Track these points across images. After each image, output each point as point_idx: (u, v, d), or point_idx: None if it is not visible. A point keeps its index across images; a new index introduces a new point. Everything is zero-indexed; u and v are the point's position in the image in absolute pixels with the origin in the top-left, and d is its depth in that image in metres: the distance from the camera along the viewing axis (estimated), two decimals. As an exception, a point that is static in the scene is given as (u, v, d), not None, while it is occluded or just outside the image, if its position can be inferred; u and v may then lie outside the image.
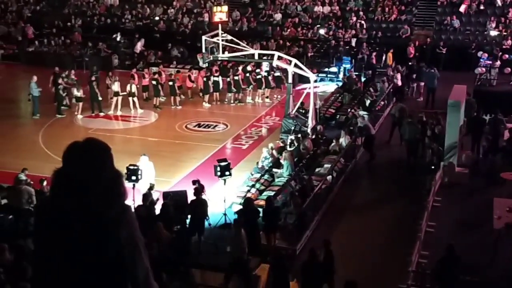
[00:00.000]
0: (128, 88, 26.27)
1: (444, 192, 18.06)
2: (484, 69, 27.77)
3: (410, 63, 29.05)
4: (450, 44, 32.12)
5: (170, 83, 27.47)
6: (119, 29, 36.90)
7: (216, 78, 27.69)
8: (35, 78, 26.02)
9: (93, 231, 2.97)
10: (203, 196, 15.90)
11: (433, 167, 18.70)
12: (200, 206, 15.39)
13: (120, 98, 26.14)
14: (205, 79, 27.77)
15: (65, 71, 27.86)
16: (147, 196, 15.26)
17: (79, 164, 3.03)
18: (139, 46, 35.05)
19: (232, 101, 27.98)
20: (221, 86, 27.87)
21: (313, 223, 16.43)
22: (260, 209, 15.31)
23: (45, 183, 16.32)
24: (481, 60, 28.64)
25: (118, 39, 35.81)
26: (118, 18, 38.63)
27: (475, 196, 17.92)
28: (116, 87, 26.10)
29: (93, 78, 26.51)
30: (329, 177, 18.36)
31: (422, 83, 27.39)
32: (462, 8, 34.05)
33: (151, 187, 15.91)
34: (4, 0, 41.80)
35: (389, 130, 22.65)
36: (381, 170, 20.37)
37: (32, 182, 16.75)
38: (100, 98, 26.17)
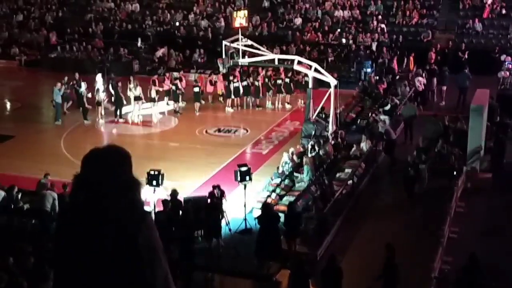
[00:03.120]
0: (148, 93, 26.41)
1: (467, 197, 17.86)
2: (507, 73, 27.43)
3: (430, 67, 28.78)
4: (472, 48, 31.79)
5: (196, 89, 27.52)
6: (140, 35, 37.14)
7: (236, 84, 27.74)
8: (59, 84, 26.24)
9: (111, 237, 2.99)
10: (223, 201, 15.93)
11: (455, 172, 18.48)
12: (214, 210, 15.38)
13: (141, 103, 26.25)
14: (226, 84, 27.87)
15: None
16: (167, 202, 15.27)
17: (98, 170, 3.07)
18: (160, 53, 35.24)
19: (251, 106, 28.07)
20: (241, 91, 27.90)
21: (334, 228, 16.33)
22: (281, 214, 15.25)
23: (67, 188, 16.42)
24: (505, 63, 28.29)
25: (139, 44, 36.05)
26: (139, 24, 38.89)
27: (499, 201, 17.69)
28: (137, 92, 26.20)
29: (118, 83, 26.70)
30: (350, 182, 18.25)
31: (444, 87, 27.19)
32: (484, 14, 33.76)
33: (173, 193, 15.86)
34: (27, 7, 42.32)
35: (404, 131, 22.72)
36: (402, 174, 20.13)
37: (54, 187, 16.87)
38: (124, 103, 26.36)
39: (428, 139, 20.27)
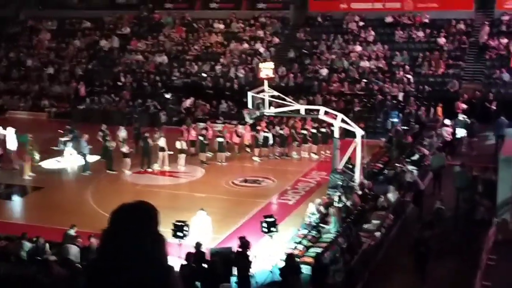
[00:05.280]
0: (177, 145, 26.62)
1: (498, 250, 17.43)
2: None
3: (461, 118, 28.57)
4: (500, 98, 31.57)
5: (220, 139, 27.68)
6: (168, 87, 37.72)
7: (265, 134, 27.89)
8: (86, 136, 26.67)
9: None
10: (248, 252, 15.75)
11: (484, 223, 18.10)
12: (242, 261, 15.21)
13: (166, 153, 26.46)
14: (255, 133, 28.21)
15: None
16: (190, 255, 15.15)
17: (126, 225, 3.16)
18: (187, 104, 35.70)
19: (278, 156, 28.12)
20: (270, 141, 28.00)
21: (362, 281, 16.01)
22: (308, 267, 15.04)
23: (93, 239, 16.42)
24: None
25: (166, 96, 36.59)
26: (167, 76, 39.51)
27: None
28: (162, 143, 26.46)
29: (146, 134, 27.05)
30: (377, 233, 17.98)
31: (474, 139, 27.00)
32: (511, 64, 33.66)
33: (198, 245, 15.76)
34: (58, 60, 43.36)
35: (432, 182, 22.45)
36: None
37: (80, 240, 16.89)
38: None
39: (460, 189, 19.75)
